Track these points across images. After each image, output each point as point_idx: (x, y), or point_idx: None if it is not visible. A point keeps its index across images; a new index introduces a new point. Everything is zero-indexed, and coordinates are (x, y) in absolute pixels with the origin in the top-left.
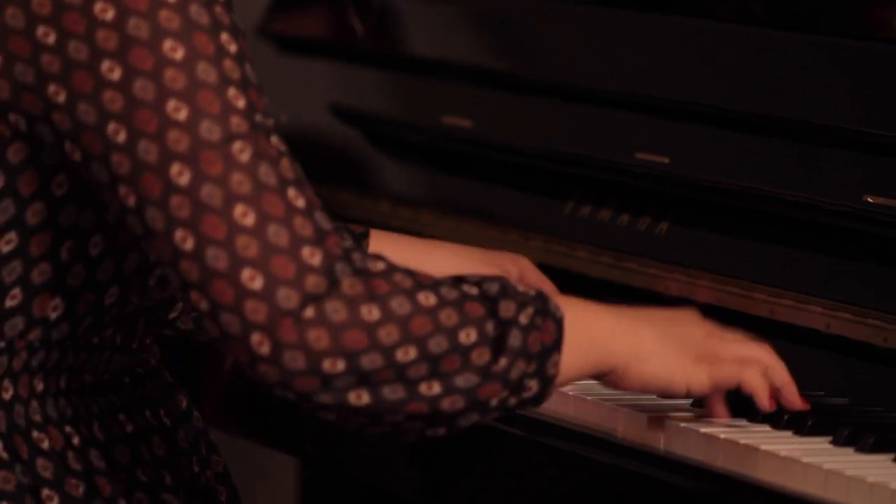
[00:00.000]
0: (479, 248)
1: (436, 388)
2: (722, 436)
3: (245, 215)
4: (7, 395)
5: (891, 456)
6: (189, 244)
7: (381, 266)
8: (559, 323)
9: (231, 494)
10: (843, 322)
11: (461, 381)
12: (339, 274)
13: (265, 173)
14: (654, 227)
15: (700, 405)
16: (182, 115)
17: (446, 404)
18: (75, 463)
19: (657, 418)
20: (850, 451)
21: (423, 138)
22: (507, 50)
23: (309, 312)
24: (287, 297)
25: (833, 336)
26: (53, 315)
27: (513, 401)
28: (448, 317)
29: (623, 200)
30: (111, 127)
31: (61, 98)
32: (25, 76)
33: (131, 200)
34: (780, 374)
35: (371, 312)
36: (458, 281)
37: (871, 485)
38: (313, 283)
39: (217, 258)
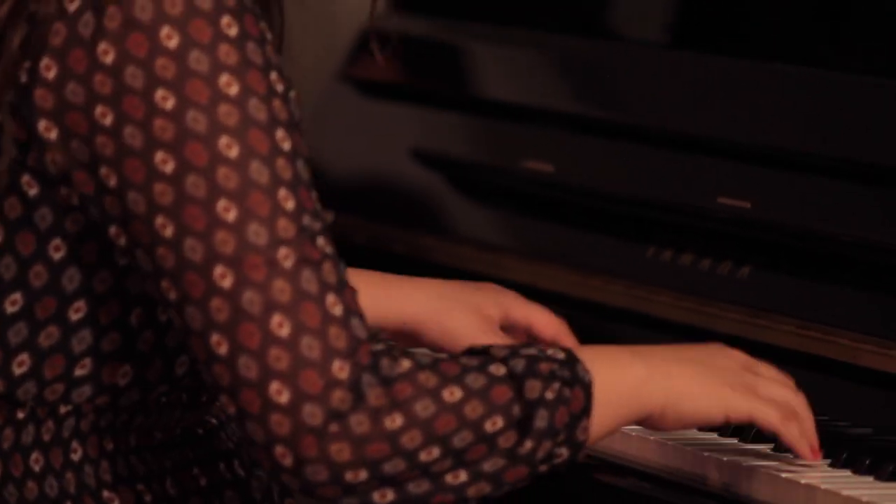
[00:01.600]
0: (459, 284)
1: (462, 476)
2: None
3: (281, 326)
4: (76, 457)
5: None
6: (223, 349)
7: (406, 367)
8: (587, 388)
9: None
10: None
11: (487, 466)
12: (364, 387)
13: (307, 280)
14: (737, 271)
15: (780, 448)
16: (231, 216)
17: (472, 491)
18: None
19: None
20: None
21: (505, 182)
22: (589, 94)
23: (333, 428)
24: (312, 414)
25: None
26: (123, 382)
27: (542, 469)
28: (473, 409)
29: (705, 245)
30: (159, 220)
31: (112, 182)
32: (80, 154)
33: (173, 296)
34: (809, 425)
35: (394, 421)
36: (486, 361)
37: None
38: (339, 398)
39: (249, 367)
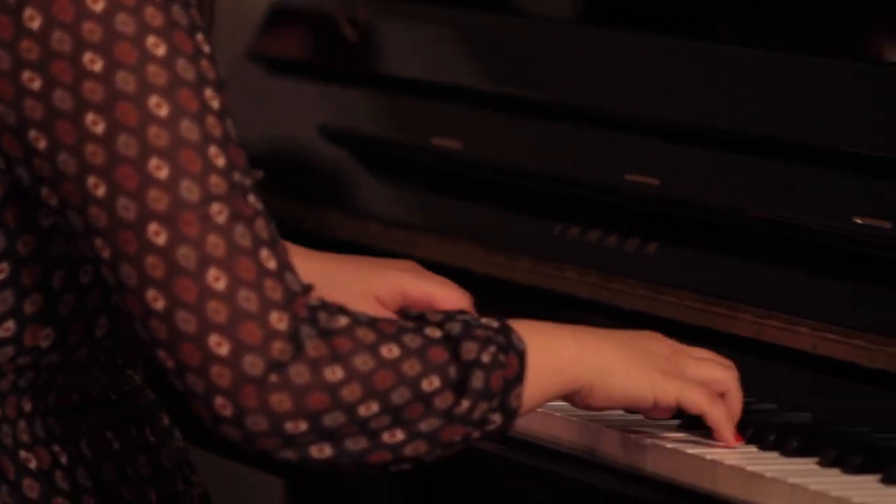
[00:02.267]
0: (354, 265)
1: (399, 435)
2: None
3: (217, 279)
4: None
5: (877, 477)
6: (160, 304)
7: (343, 322)
8: (522, 356)
9: None
10: (830, 343)
11: (424, 426)
12: (303, 338)
13: (240, 235)
14: (643, 247)
15: (689, 426)
16: (163, 174)
17: (409, 451)
18: (63, 482)
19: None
20: (836, 471)
21: (413, 159)
22: (497, 71)
23: (273, 378)
24: (252, 364)
25: (820, 357)
26: (45, 344)
27: (476, 435)
28: (411, 367)
29: (612, 221)
30: (91, 180)
31: (42, 145)
32: (7, 118)
33: (106, 254)
34: (735, 404)
35: (334, 373)
36: (421, 324)
37: None
38: (279, 348)
39: (187, 321)
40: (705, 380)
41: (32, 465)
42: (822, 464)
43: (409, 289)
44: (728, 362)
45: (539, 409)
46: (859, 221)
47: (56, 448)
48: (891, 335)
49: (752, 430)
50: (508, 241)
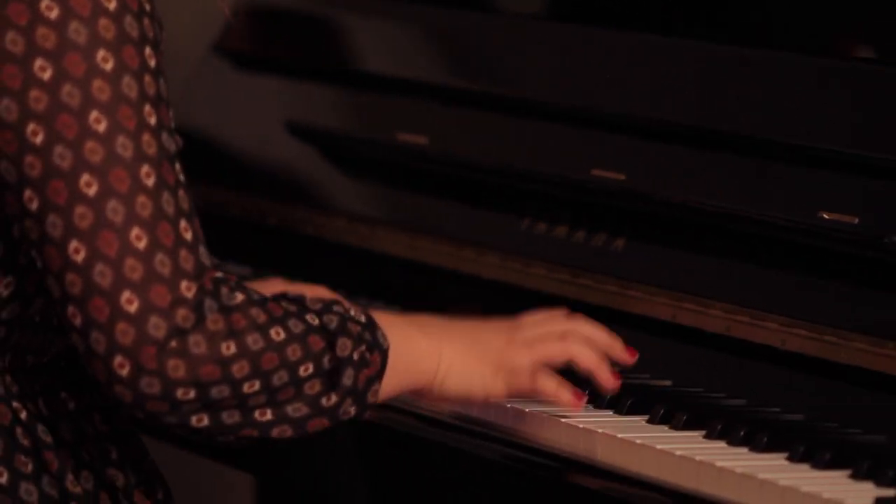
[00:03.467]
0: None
1: (268, 415)
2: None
3: (139, 239)
4: None
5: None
6: (80, 256)
7: (240, 299)
8: (384, 354)
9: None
10: (799, 338)
11: (291, 410)
12: (206, 310)
13: (166, 201)
14: (611, 243)
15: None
16: (102, 126)
17: (276, 432)
18: (23, 438)
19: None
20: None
21: (379, 155)
22: (462, 66)
23: (173, 343)
24: (156, 326)
25: (788, 352)
26: (5, 293)
27: (330, 424)
28: (293, 352)
29: (579, 217)
30: (31, 126)
31: None
32: None
33: (34, 205)
34: (583, 359)
35: (229, 348)
36: (302, 310)
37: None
38: (182, 315)
39: (103, 274)
40: (543, 360)
41: None
42: (792, 459)
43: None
44: (561, 322)
45: None
46: (826, 217)
47: (16, 404)
48: (859, 330)
49: (721, 425)
50: (476, 237)
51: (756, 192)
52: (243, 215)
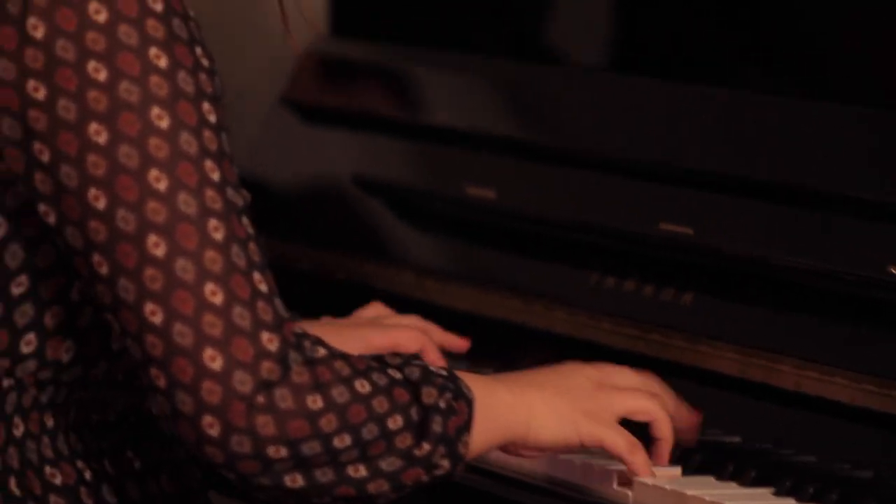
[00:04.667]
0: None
1: (362, 471)
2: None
3: (214, 294)
4: (18, 432)
5: None
6: (158, 318)
7: (323, 352)
8: (471, 405)
9: None
10: (867, 394)
11: (385, 464)
12: (291, 362)
13: (236, 254)
14: (679, 298)
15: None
16: (162, 185)
17: (372, 488)
18: (88, 498)
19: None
20: None
21: (447, 208)
22: (531, 119)
23: (260, 398)
24: (242, 381)
25: (859, 408)
26: (66, 357)
27: (426, 479)
28: (380, 404)
29: (647, 271)
30: (92, 192)
31: (45, 157)
32: (13, 131)
33: (104, 270)
34: (663, 430)
35: (315, 402)
36: (383, 365)
37: None
38: (268, 369)
39: (183, 334)
40: (630, 412)
41: (58, 480)
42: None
43: (375, 342)
44: (656, 386)
45: None
46: (895, 271)
47: (80, 464)
48: None
49: (790, 482)
50: (545, 290)
51: (825, 247)
52: (312, 269)
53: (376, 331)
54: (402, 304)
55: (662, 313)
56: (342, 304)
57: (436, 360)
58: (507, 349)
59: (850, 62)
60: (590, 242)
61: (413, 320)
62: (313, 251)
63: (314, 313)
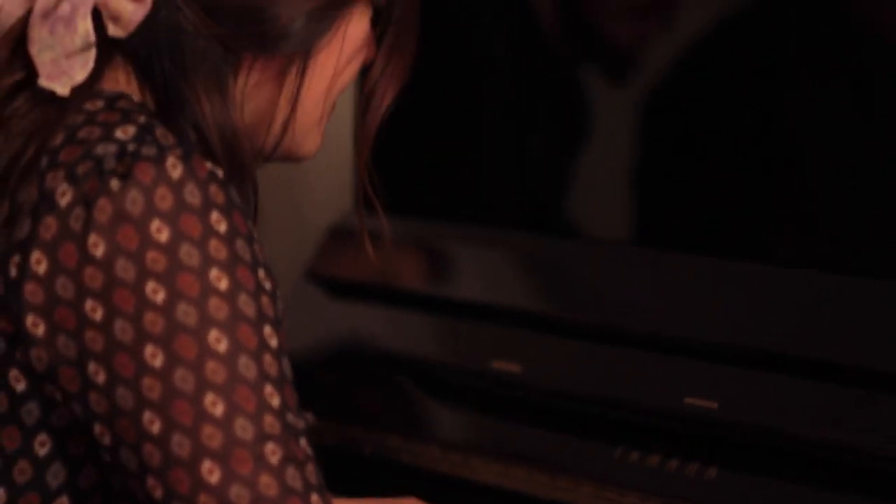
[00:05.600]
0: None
1: None
2: None
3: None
4: None
5: None
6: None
7: None
8: None
9: None
10: None
11: None
12: None
13: (292, 477)
14: (703, 472)
15: None
16: (218, 410)
17: None
18: None
19: None
20: None
21: (472, 383)
22: (555, 293)
23: None
24: None
25: None
26: None
27: None
28: None
29: (672, 446)
30: (146, 415)
31: (100, 379)
32: (67, 350)
33: (159, 493)
34: None
35: None
36: None
37: None
38: None
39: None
40: None
41: None
42: None
43: None
44: None
45: None
46: None
47: None
48: None
49: None
50: (570, 465)
51: (852, 421)
52: (339, 444)
53: None
54: (427, 478)
55: (687, 488)
56: (369, 480)
57: None
58: None
59: (870, 236)
60: (614, 417)
61: None
62: (340, 425)
63: (340, 488)
